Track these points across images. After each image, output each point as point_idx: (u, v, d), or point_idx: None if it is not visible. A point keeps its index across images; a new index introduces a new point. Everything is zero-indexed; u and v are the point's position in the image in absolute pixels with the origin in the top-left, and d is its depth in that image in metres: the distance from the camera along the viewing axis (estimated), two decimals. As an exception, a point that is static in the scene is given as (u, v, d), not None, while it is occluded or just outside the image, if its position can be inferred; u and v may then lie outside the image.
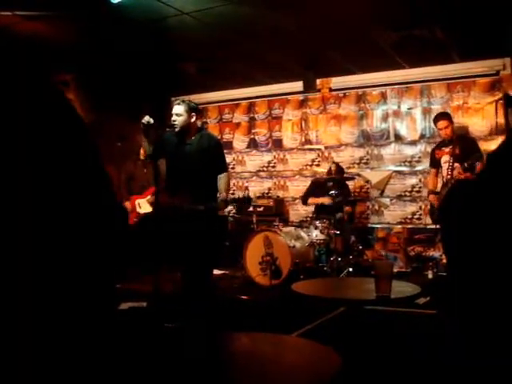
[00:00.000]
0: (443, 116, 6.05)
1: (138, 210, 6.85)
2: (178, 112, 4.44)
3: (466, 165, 5.39)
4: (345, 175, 6.98)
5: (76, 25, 5.31)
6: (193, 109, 4.53)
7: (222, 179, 4.63)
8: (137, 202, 6.87)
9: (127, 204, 6.90)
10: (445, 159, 5.94)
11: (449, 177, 5.74)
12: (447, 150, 5.91)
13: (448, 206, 1.22)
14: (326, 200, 6.63)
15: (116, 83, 7.04)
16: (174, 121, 4.43)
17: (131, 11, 4.95)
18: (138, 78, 7.15)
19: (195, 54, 6.35)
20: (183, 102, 4.52)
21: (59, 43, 5.74)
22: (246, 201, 4.79)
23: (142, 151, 6.92)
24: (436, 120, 6.12)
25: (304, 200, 7.15)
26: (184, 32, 5.55)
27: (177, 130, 4.44)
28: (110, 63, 6.59)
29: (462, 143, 5.81)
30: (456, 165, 5.66)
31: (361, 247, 6.90)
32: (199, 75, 7.24)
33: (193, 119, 4.52)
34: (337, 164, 6.99)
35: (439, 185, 6.12)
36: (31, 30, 5.33)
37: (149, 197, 6.76)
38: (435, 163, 6.15)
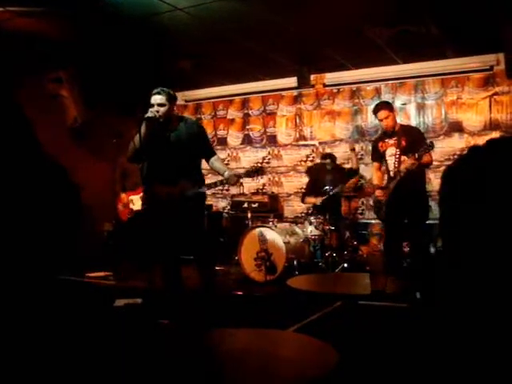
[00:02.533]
0: (383, 105, 5.59)
1: (132, 206, 6.84)
2: (161, 102, 4.27)
3: (416, 155, 5.16)
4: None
5: (69, 21, 5.28)
6: (173, 96, 4.41)
7: (218, 160, 4.65)
8: (130, 198, 6.86)
9: (123, 197, 6.88)
10: (390, 152, 5.56)
11: (396, 170, 5.41)
12: (392, 141, 5.54)
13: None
14: (318, 200, 6.64)
15: (110, 79, 7.01)
16: (157, 111, 4.23)
17: (124, 7, 4.93)
18: (131, 73, 7.12)
19: (189, 49, 6.33)
20: (163, 90, 4.31)
21: (52, 39, 5.71)
22: (259, 171, 4.68)
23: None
24: (376, 110, 5.61)
25: (302, 199, 7.17)
26: (178, 28, 5.53)
27: (161, 120, 4.25)
28: (104, 59, 6.57)
29: (408, 134, 5.48)
30: (403, 158, 5.34)
31: (356, 243, 6.90)
32: (193, 71, 7.22)
33: (174, 107, 4.44)
34: (330, 155, 7.01)
35: (385, 178, 5.77)
36: (24, 26, 5.30)
37: (142, 194, 6.74)
38: (378, 156, 5.77)
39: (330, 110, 7.86)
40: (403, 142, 5.42)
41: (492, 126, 6.77)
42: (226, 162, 8.31)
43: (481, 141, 6.71)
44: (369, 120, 7.59)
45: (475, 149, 1.18)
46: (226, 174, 4.45)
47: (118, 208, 6.94)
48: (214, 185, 4.65)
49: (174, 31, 5.66)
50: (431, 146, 5.17)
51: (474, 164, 1.14)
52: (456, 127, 6.94)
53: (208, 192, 4.76)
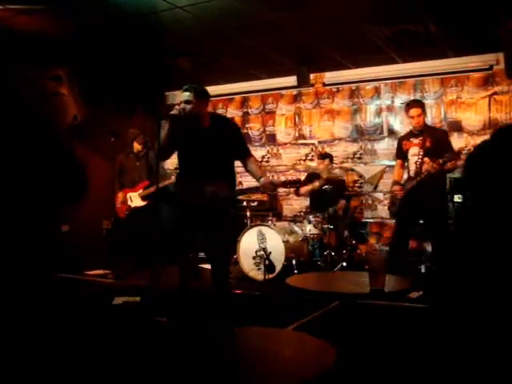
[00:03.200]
0: (417, 103, 5.66)
1: (130, 203, 6.86)
2: (187, 99, 4.07)
3: (441, 161, 5.16)
4: (336, 168, 6.99)
5: (69, 19, 5.28)
6: (202, 93, 4.17)
7: (254, 163, 4.32)
8: (128, 195, 6.87)
9: (120, 195, 6.90)
10: (413, 151, 5.59)
11: (417, 170, 5.42)
12: (416, 141, 5.56)
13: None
14: (315, 184, 6.58)
15: (109, 78, 7.01)
16: (184, 109, 4.05)
17: (124, 5, 4.92)
18: (131, 72, 7.12)
19: (189, 48, 6.33)
20: (191, 87, 4.11)
21: (52, 37, 5.71)
22: (297, 183, 4.46)
23: (135, 145, 6.96)
24: (408, 107, 5.67)
25: (296, 192, 7.13)
26: (177, 26, 5.53)
27: (187, 117, 4.06)
28: (103, 57, 6.56)
29: (433, 135, 5.50)
30: (426, 159, 5.34)
31: (354, 242, 6.92)
32: (192, 70, 7.22)
33: (204, 105, 4.18)
34: (328, 155, 7.02)
35: (405, 177, 5.80)
36: (24, 24, 5.30)
37: (140, 191, 6.77)
38: (402, 154, 5.80)
39: (330, 108, 7.86)
40: (427, 143, 5.43)
41: (491, 125, 6.77)
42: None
43: (480, 140, 6.71)
44: (368, 119, 7.59)
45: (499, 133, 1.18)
46: (262, 180, 4.17)
47: (115, 205, 6.96)
48: (248, 191, 4.44)
49: (174, 29, 5.66)
50: (458, 156, 5.20)
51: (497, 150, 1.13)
52: (455, 127, 6.94)
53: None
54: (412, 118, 5.61)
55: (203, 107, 4.19)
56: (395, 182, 5.82)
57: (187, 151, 4.24)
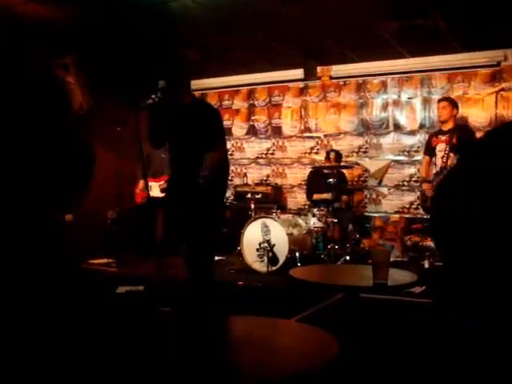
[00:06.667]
0: (447, 99, 5.97)
1: (150, 191, 6.80)
2: (160, 86, 3.98)
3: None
4: (342, 163, 6.99)
5: (77, 7, 5.27)
6: (176, 80, 4.08)
7: (210, 159, 3.92)
8: (150, 184, 6.81)
9: (141, 183, 6.82)
10: (440, 147, 5.78)
11: (443, 165, 5.60)
12: (444, 138, 5.75)
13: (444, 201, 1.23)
14: (329, 195, 6.58)
15: (116, 67, 7.01)
16: (158, 97, 3.94)
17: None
18: (138, 62, 7.11)
19: (196, 39, 6.32)
20: (166, 74, 4.04)
21: (60, 25, 5.70)
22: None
23: None
24: (439, 100, 6.05)
25: (308, 196, 7.14)
26: (185, 17, 5.52)
27: (158, 105, 3.94)
28: (111, 47, 6.55)
29: (461, 133, 5.66)
30: (451, 155, 5.53)
31: (358, 236, 6.92)
32: (200, 61, 7.20)
33: (180, 92, 4.08)
34: (336, 151, 7.01)
35: (432, 173, 5.95)
36: (32, 11, 5.29)
37: (161, 182, 6.72)
38: (430, 151, 5.97)
39: (336, 102, 7.84)
40: (454, 140, 5.59)
41: (498, 121, 6.75)
42: (230, 152, 8.29)
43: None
44: (374, 113, 7.57)
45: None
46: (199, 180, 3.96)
47: (134, 191, 6.89)
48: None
49: (181, 20, 5.65)
50: None
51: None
52: (462, 122, 6.91)
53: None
54: (438, 109, 5.93)
55: (179, 94, 4.09)
56: (424, 180, 5.99)
57: (170, 141, 4.17)
